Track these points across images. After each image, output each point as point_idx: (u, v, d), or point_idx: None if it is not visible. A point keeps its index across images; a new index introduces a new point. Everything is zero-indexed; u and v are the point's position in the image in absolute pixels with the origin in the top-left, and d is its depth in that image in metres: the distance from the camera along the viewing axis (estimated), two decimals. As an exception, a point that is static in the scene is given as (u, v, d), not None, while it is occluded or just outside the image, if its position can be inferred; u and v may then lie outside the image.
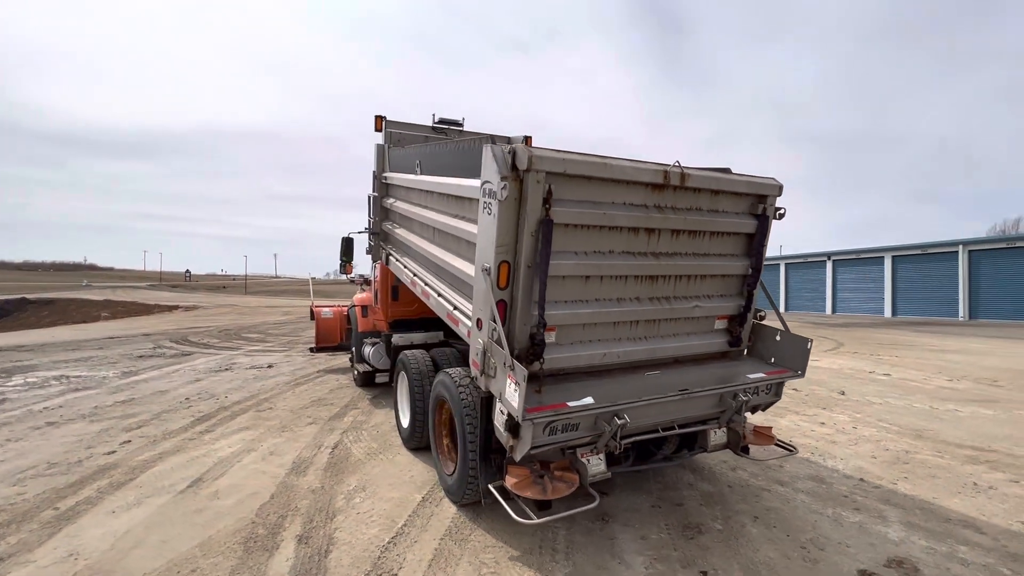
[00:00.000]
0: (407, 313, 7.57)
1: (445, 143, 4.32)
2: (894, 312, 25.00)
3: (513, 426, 2.93)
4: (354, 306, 8.85)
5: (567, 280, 3.13)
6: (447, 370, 4.01)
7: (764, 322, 4.11)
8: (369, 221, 6.60)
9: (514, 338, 3.03)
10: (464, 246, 3.72)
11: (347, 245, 8.53)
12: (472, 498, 3.65)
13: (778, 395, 3.86)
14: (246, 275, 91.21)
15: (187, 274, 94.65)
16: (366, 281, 8.49)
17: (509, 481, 3.07)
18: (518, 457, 2.95)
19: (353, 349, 8.93)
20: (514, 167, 2.81)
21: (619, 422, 2.96)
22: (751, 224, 3.69)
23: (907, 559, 3.02)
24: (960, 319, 22.01)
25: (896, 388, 7.79)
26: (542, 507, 3.10)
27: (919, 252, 23.80)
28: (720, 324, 3.97)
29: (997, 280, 21.21)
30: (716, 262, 3.67)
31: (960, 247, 22.29)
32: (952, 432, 5.53)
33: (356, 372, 8.78)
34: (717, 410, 3.56)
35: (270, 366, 11.12)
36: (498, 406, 3.13)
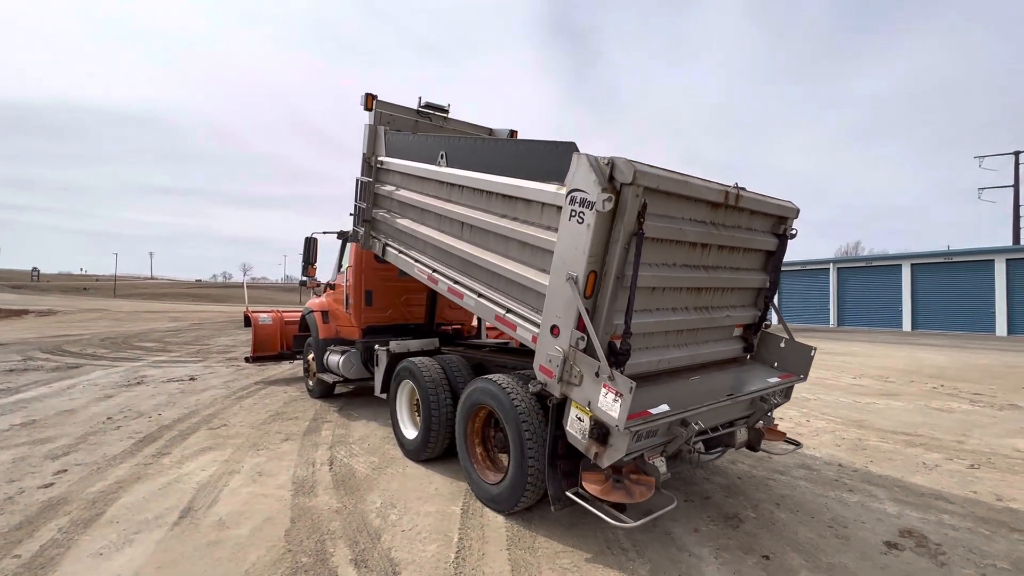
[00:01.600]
0: (382, 319, 7.23)
1: (490, 141, 4.18)
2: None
3: (602, 434, 2.97)
4: (311, 311, 8.23)
5: (639, 291, 3.24)
6: (491, 377, 3.94)
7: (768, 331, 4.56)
8: (356, 208, 6.17)
9: None
10: (519, 248, 3.67)
11: (310, 246, 7.92)
12: (527, 504, 3.62)
13: (787, 397, 4.31)
14: (115, 275, 79.58)
15: (34, 272, 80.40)
16: (330, 285, 7.92)
17: (592, 488, 3.10)
18: (605, 464, 3.00)
19: (308, 358, 8.30)
20: (611, 178, 2.87)
21: (696, 427, 3.14)
22: (773, 242, 4.10)
23: (913, 529, 3.55)
24: (831, 326, 25.78)
25: (819, 386, 8.95)
26: (618, 510, 3.17)
27: (799, 268, 27.52)
28: (737, 332, 4.35)
29: (858, 293, 25.24)
30: (744, 276, 4.02)
31: (831, 264, 26.22)
32: (882, 421, 6.51)
33: (312, 383, 8.16)
34: (749, 411, 3.90)
35: (192, 378, 9.92)
36: (573, 413, 3.16)
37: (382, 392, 5.74)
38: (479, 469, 4.06)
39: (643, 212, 2.91)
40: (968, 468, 4.78)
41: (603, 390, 2.88)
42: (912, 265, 22.91)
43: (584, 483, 3.20)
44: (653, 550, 3.27)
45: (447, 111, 6.59)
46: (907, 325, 22.75)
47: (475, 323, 8.27)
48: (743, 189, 3.61)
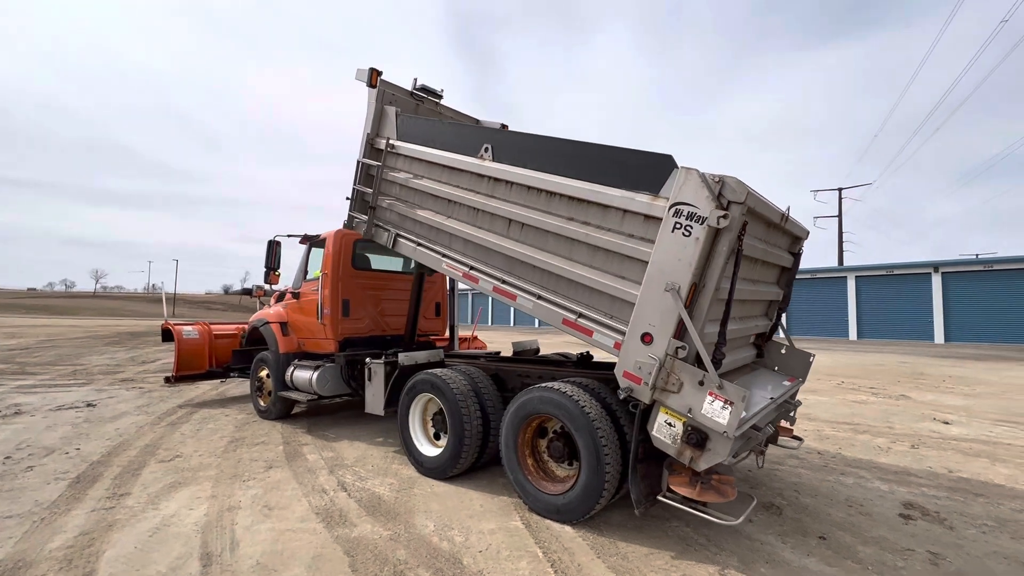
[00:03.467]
0: (359, 330, 6.76)
1: (549, 139, 4.06)
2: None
3: (700, 439, 3.08)
4: (267, 322, 7.41)
5: (715, 302, 3.43)
6: (551, 385, 3.88)
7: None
8: (355, 192, 5.65)
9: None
10: (589, 252, 3.65)
11: (274, 250, 7.11)
12: (597, 511, 3.61)
13: (795, 397, 4.81)
14: (-90, 283, 63.47)
15: None
16: (293, 294, 7.18)
17: (684, 490, 3.20)
18: (703, 467, 3.11)
19: (261, 375, 7.44)
20: (719, 195, 3.04)
21: (768, 431, 3.40)
22: (789, 260, 4.59)
23: (912, 502, 4.15)
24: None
25: (751, 386, 10.03)
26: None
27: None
28: (751, 339, 4.78)
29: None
30: (769, 289, 4.45)
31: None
32: (823, 414, 7.49)
33: (265, 403, 7.31)
34: (779, 413, 4.29)
35: (90, 405, 8.38)
36: (662, 418, 3.25)
37: (387, 408, 5.33)
38: (534, 481, 3.96)
39: (743, 230, 3.12)
40: (911, 449, 5.71)
41: (708, 397, 3.01)
42: (785, 280, 26.68)
43: (673, 486, 3.29)
44: (728, 543, 3.45)
45: (441, 96, 6.33)
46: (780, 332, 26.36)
47: (447, 334, 8.04)
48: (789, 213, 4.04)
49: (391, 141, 5.32)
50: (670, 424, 3.21)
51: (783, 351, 4.90)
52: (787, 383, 4.56)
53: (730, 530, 3.61)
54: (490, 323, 45.65)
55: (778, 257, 4.25)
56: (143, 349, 18.86)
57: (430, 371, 4.86)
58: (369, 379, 5.61)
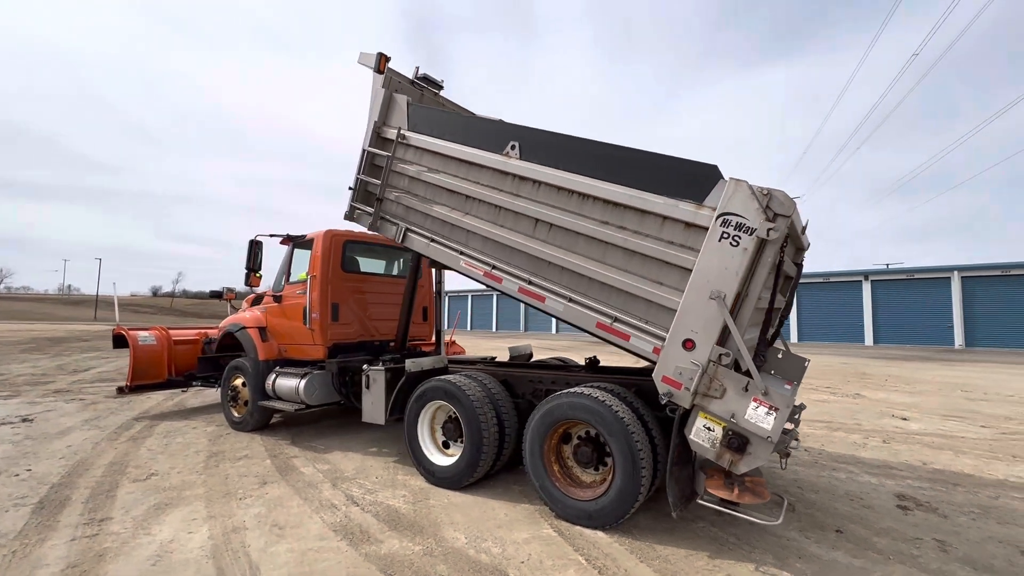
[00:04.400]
0: (348, 336, 6.48)
1: (580, 140, 4.01)
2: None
3: (740, 443, 3.17)
4: (243, 327, 6.94)
5: (756, 310, 3.54)
6: (579, 391, 3.87)
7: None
8: (358, 181, 5.38)
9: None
10: (624, 256, 3.66)
11: (255, 251, 6.66)
12: (631, 513, 3.63)
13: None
14: None
15: None
16: (274, 297, 6.76)
17: (723, 493, 3.26)
18: (742, 471, 3.19)
19: (236, 384, 6.96)
20: (767, 208, 3.14)
21: (796, 432, 3.55)
22: (794, 269, 4.83)
23: (904, 494, 4.46)
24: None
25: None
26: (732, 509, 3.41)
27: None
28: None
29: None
30: (778, 296, 4.66)
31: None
32: (794, 413, 7.94)
33: (240, 413, 6.85)
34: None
35: (26, 420, 7.53)
36: (701, 422, 3.31)
37: (391, 416, 5.12)
38: (562, 487, 3.92)
39: (786, 242, 3.25)
40: (883, 444, 6.15)
41: (753, 403, 3.10)
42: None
43: (711, 489, 3.36)
44: (757, 540, 3.56)
45: (441, 87, 6.15)
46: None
47: (433, 339, 7.87)
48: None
49: (402, 131, 5.11)
50: (709, 428, 3.28)
51: (779, 356, 5.15)
52: (787, 387, 4.78)
53: (757, 528, 3.73)
54: (446, 327, 45.10)
55: (789, 267, 4.46)
56: (70, 356, 17.17)
57: (442, 378, 4.72)
58: (367, 387, 5.37)
